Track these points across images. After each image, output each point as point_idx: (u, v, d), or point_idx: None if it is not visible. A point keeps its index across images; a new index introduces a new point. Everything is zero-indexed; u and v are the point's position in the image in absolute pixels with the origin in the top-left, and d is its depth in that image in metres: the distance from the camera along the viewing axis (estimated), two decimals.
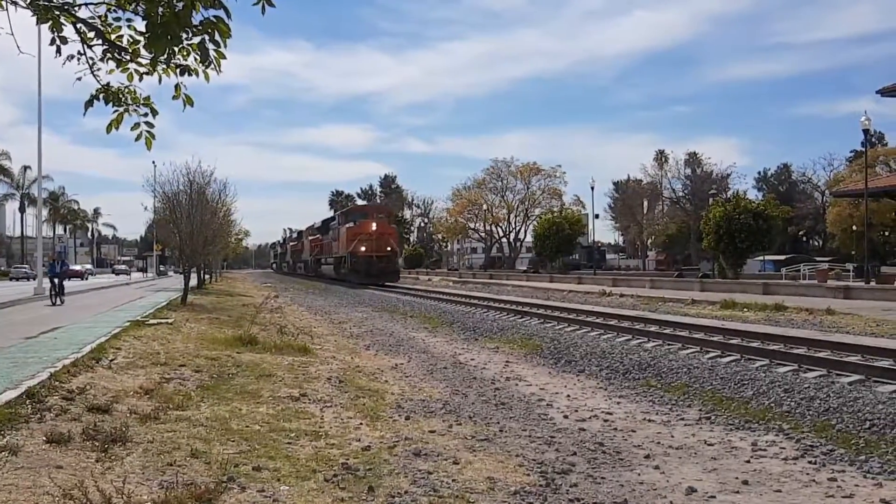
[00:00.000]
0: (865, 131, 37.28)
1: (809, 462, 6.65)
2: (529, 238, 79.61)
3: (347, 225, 47.92)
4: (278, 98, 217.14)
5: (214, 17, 4.12)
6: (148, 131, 4.88)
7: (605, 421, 8.38)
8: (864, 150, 40.64)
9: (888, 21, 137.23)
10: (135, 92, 4.79)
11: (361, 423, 7.80)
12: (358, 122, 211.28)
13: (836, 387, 9.19)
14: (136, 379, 9.18)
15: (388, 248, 47.02)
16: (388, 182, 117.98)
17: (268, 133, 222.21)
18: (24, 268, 68.83)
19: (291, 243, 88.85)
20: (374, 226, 46.60)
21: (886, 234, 63.83)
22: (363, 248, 45.49)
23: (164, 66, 4.49)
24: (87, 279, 64.17)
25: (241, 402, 8.45)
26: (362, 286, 42.96)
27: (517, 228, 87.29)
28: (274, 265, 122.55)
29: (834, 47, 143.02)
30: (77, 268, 71.31)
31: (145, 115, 4.84)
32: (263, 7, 4.11)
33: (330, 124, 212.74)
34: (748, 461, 6.70)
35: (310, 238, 67.50)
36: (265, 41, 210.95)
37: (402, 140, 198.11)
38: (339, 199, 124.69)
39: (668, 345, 13.45)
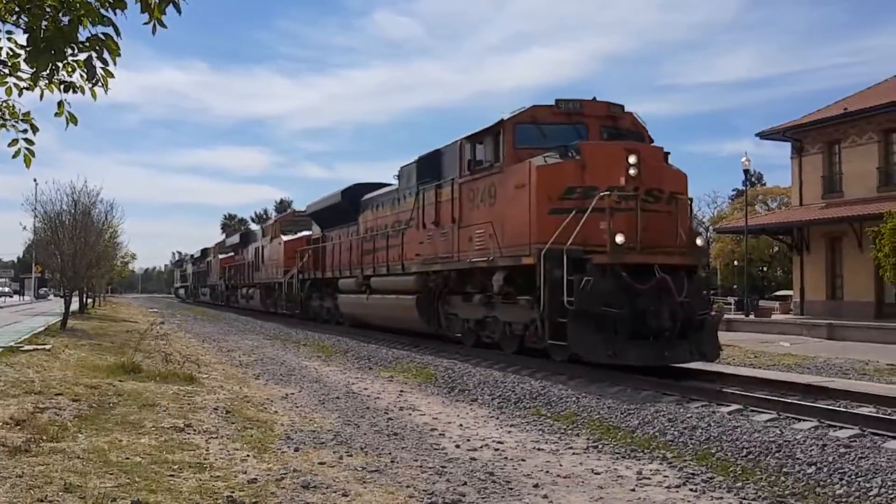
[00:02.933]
0: (746, 171, 39.39)
1: (691, 490, 6.86)
2: None
3: (541, 162, 13.83)
4: (170, 118, 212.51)
5: (103, 34, 3.98)
6: (27, 148, 4.66)
7: (496, 450, 8.42)
8: (745, 188, 42.81)
9: (767, 68, 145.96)
10: (13, 107, 4.58)
11: (249, 455, 7.58)
12: (254, 146, 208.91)
13: (716, 416, 9.54)
14: (6, 409, 8.67)
15: (698, 240, 14.35)
16: (283, 207, 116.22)
17: (158, 153, 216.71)
18: None
19: (223, 256, 53.01)
20: (630, 162, 13.08)
21: (765, 269, 67.15)
22: (620, 238, 12.58)
23: (47, 82, 4.30)
24: None
25: (122, 433, 8.09)
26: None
27: None
28: (182, 290, 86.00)
29: (718, 90, 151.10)
30: None
31: (24, 131, 4.62)
32: (154, 27, 3.99)
33: (224, 146, 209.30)
34: (633, 490, 6.85)
35: (285, 242, 34.90)
36: (158, 59, 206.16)
37: (299, 165, 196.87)
38: (231, 223, 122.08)
39: (559, 374, 13.67)
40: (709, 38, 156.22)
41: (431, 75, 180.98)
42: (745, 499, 6.57)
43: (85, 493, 5.63)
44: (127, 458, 6.95)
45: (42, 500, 5.41)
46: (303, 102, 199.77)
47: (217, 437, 8.36)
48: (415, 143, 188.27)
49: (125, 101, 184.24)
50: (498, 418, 10.57)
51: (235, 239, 50.03)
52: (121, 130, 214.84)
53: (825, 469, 7.07)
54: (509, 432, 9.54)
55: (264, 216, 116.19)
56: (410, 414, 10.80)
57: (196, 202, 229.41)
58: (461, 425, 9.98)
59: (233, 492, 6.09)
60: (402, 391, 13.05)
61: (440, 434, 9.32)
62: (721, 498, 6.60)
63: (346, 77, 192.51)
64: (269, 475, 6.77)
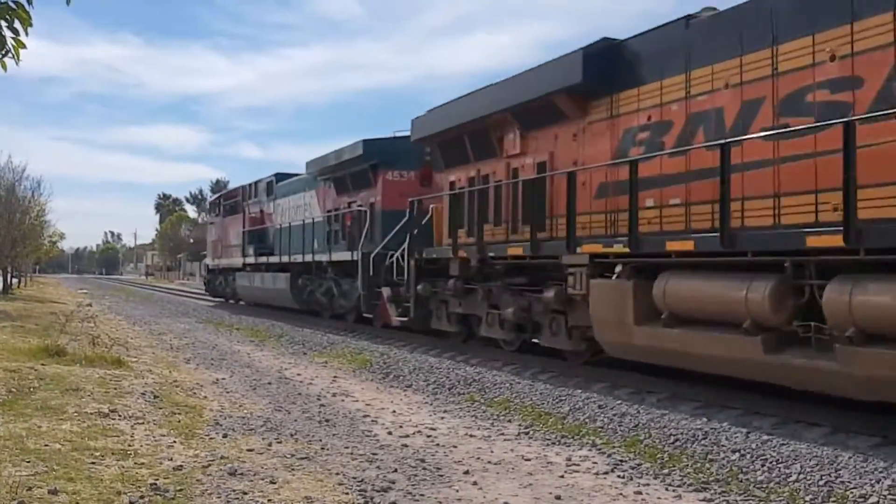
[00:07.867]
0: None
1: (619, 476, 6.95)
2: None
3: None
4: (104, 93, 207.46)
5: (14, 2, 3.78)
6: None
7: (429, 437, 8.41)
8: None
9: None
10: None
11: (175, 441, 7.42)
12: (189, 123, 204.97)
13: (645, 403, 9.70)
14: None
15: None
16: (219, 187, 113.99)
17: (92, 129, 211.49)
18: None
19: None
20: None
21: None
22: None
23: None
24: None
25: (42, 419, 7.84)
26: None
27: None
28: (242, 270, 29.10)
29: None
30: None
31: None
32: None
33: (159, 124, 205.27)
34: (562, 476, 6.91)
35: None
36: (91, 32, 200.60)
37: (235, 144, 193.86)
38: (166, 203, 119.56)
39: (493, 361, 13.76)
40: (650, 27, 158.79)
41: (374, 56, 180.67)
42: (671, 485, 6.68)
43: None
44: (46, 445, 6.73)
45: None
46: (240, 80, 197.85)
47: (143, 423, 8.17)
48: (359, 124, 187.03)
49: (55, 74, 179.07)
50: (432, 404, 10.57)
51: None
52: (52, 105, 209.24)
53: (748, 455, 7.24)
54: (442, 419, 9.54)
55: (199, 196, 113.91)
56: (343, 400, 10.72)
57: (128, 180, 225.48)
58: (394, 412, 9.95)
59: (157, 479, 5.94)
60: (335, 377, 12.96)
61: (373, 421, 9.27)
62: (648, 484, 6.71)
63: (284, 55, 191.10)
64: (195, 462, 6.63)
